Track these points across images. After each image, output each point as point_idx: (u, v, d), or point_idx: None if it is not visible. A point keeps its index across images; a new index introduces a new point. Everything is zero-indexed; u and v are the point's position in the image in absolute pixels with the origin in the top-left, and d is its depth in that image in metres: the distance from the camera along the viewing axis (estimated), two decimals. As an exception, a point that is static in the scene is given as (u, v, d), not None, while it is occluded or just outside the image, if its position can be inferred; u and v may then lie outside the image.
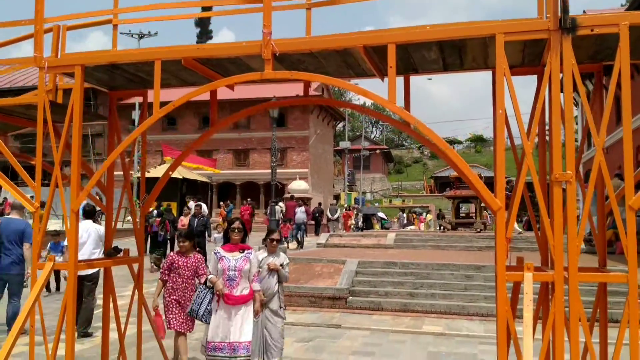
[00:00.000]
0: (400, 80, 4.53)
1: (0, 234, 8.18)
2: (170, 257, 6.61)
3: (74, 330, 4.07)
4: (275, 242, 6.37)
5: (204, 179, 33.92)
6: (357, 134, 68.53)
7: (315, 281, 12.01)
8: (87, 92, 43.85)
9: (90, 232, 8.56)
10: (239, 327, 5.60)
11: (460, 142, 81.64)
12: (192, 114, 42.21)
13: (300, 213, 22.50)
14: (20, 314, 4.15)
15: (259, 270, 6.07)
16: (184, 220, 16.43)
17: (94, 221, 9.01)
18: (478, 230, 24.03)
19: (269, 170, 40.27)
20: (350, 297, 11.36)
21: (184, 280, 6.46)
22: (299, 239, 21.08)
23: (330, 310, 11.12)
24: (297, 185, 35.58)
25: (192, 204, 16.97)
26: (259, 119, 39.35)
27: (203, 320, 5.77)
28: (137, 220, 5.20)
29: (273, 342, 6.21)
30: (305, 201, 29.47)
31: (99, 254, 8.39)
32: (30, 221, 7.02)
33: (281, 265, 6.35)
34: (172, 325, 6.35)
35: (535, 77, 4.10)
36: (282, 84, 32.51)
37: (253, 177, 40.75)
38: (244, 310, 5.66)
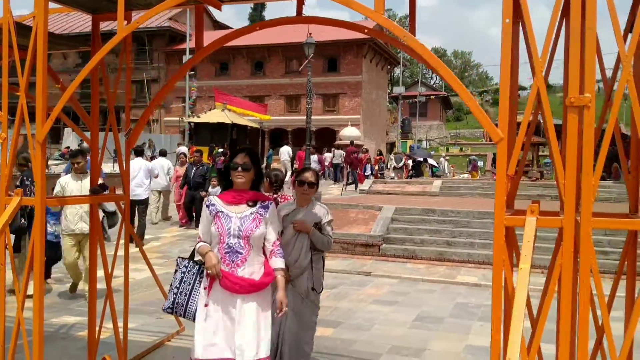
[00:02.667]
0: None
1: None
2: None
3: (42, 270, 3.82)
4: (306, 187, 4.23)
5: (254, 125, 33.76)
6: (416, 79, 66.36)
7: (349, 227, 11.62)
8: (142, 37, 44.21)
9: (141, 167, 11.24)
10: (251, 333, 3.42)
11: (524, 88, 77.81)
12: (245, 60, 41.87)
13: (313, 163, 22.13)
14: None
15: (282, 233, 3.98)
16: (179, 171, 14.20)
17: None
18: (534, 178, 22.94)
19: (321, 116, 39.82)
20: (383, 245, 10.93)
21: None
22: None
23: (362, 258, 10.76)
24: (349, 132, 34.90)
25: (183, 148, 13.35)
26: (311, 65, 38.49)
27: (191, 318, 3.68)
28: (123, 157, 4.87)
29: (297, 344, 4.18)
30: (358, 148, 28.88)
31: (147, 185, 11.46)
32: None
33: (317, 224, 4.24)
34: None
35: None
36: (326, 27, 31.45)
37: (304, 123, 40.39)
38: (257, 304, 3.49)
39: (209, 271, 3.44)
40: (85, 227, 6.69)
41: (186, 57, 32.46)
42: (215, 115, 30.24)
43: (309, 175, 4.31)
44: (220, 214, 3.52)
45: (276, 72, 41.15)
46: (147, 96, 41.83)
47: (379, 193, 17.61)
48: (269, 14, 68.68)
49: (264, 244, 3.60)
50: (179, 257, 3.84)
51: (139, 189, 11.03)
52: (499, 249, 2.87)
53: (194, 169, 12.99)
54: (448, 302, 7.62)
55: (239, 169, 3.54)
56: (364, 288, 8.46)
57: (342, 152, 23.31)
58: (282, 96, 41.15)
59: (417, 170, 27.99)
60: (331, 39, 35.84)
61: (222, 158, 19.03)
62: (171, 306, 3.70)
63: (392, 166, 28.36)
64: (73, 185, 6.83)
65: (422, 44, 3.04)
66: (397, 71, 56.53)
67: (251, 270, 3.47)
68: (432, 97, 60.81)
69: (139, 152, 12.05)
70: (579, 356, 2.79)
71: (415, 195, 17.12)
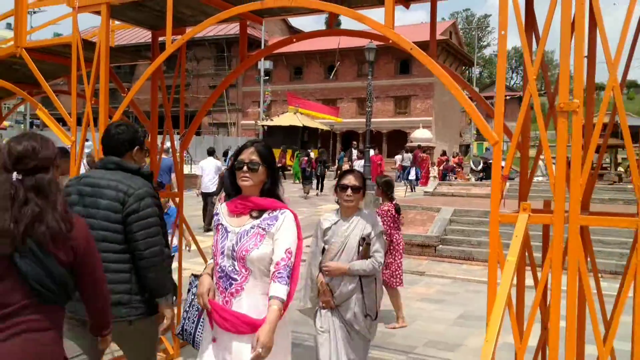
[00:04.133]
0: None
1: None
2: None
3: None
4: (350, 192, 3.62)
5: (326, 127, 34.37)
6: (494, 80, 64.64)
7: (406, 228, 11.78)
8: (221, 44, 45.97)
9: (211, 165, 12.91)
10: None
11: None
12: (318, 64, 42.63)
13: (359, 168, 22.49)
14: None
15: (325, 249, 3.68)
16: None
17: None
18: (612, 182, 22.06)
19: (392, 119, 39.91)
20: (440, 245, 11.05)
21: None
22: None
23: (418, 258, 10.92)
24: (420, 134, 34.85)
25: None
26: (381, 67, 38.61)
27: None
28: (177, 155, 5.41)
29: None
30: (426, 151, 28.83)
31: (215, 180, 12.69)
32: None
33: (364, 238, 3.65)
34: None
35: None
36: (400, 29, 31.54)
37: (375, 126, 40.53)
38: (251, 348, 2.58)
39: (199, 302, 2.79)
40: None
41: (261, 63, 33.57)
42: (288, 119, 31.16)
43: (352, 178, 3.66)
44: (220, 226, 2.82)
45: (348, 76, 41.62)
46: (225, 100, 43.46)
47: (443, 195, 17.59)
48: (345, 18, 69.23)
49: (266, 266, 2.70)
50: (192, 274, 3.20)
51: (210, 184, 12.70)
52: (494, 244, 3.09)
53: None
54: (495, 303, 7.69)
55: (244, 168, 2.74)
56: (414, 287, 8.66)
57: (410, 155, 23.44)
58: (354, 99, 41.55)
59: (487, 172, 27.53)
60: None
61: (306, 158, 20.89)
62: (181, 332, 3.11)
63: (471, 168, 28.23)
64: None
65: (424, 55, 3.31)
66: (476, 72, 55.47)
67: (252, 302, 2.66)
68: (510, 97, 59.16)
69: (211, 153, 13.81)
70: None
71: (481, 198, 16.96)
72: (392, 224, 6.22)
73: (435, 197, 17.10)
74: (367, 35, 4.55)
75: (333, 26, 4.61)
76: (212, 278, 2.81)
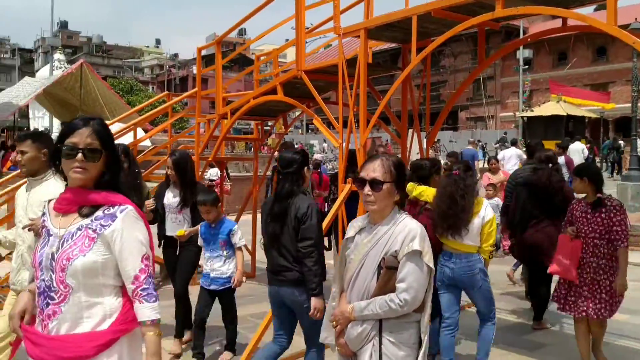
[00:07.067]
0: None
1: None
2: None
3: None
4: (368, 189, 2.55)
5: (594, 115, 31.66)
6: None
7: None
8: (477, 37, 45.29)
9: (512, 154, 13.67)
10: None
11: None
12: (585, 46, 39.40)
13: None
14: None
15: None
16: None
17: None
18: None
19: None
20: None
21: None
22: None
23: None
24: None
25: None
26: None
27: None
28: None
29: None
30: None
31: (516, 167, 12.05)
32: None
33: (391, 259, 2.47)
34: None
35: None
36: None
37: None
38: None
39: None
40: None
41: (519, 52, 32.54)
42: (549, 108, 29.61)
43: (370, 168, 2.56)
44: (44, 229, 2.20)
45: (621, 56, 37.55)
46: (482, 94, 43.06)
47: None
48: None
49: (114, 283, 2.13)
50: None
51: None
52: None
53: None
54: None
55: (78, 156, 2.06)
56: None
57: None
58: (629, 82, 37.27)
59: None
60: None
61: None
62: None
63: None
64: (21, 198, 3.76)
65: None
66: None
67: (71, 326, 2.04)
68: None
69: (514, 143, 15.86)
70: None
71: None
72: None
73: None
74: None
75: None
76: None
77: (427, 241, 2.51)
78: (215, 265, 4.80)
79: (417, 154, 6.37)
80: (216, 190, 11.22)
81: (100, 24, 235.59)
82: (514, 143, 15.72)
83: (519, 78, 33.87)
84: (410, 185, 4.58)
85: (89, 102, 19.02)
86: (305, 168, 3.86)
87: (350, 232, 2.69)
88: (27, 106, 19.54)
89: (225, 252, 4.79)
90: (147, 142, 13.15)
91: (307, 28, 6.68)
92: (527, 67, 34.95)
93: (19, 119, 24.84)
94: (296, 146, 16.61)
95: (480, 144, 27.93)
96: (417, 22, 4.93)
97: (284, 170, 3.80)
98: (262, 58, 9.13)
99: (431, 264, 2.48)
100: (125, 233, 2.09)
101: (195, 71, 10.64)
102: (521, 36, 33.48)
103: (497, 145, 26.43)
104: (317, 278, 3.61)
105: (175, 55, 76.55)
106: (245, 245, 5.32)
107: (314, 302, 3.62)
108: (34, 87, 19.87)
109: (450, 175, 4.41)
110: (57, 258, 2.05)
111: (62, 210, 2.15)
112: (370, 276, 2.52)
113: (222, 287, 4.80)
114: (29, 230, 3.17)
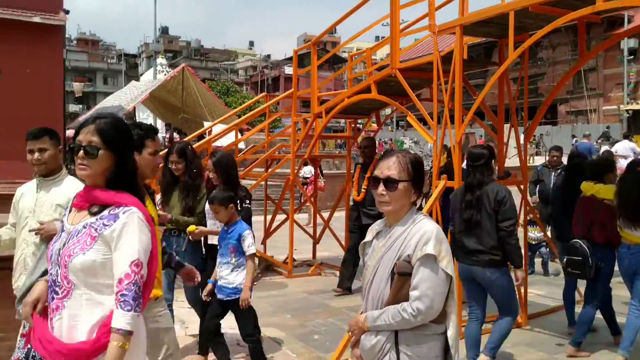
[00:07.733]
0: None
1: None
2: None
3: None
4: (382, 189, 2.34)
5: None
6: None
7: None
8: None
9: (625, 147, 14.30)
10: None
11: None
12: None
13: None
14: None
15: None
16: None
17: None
18: None
19: None
20: None
21: None
22: None
23: None
24: None
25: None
26: None
27: None
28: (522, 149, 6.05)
29: None
30: None
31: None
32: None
33: (404, 264, 2.28)
34: None
35: None
36: None
37: None
38: None
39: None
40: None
41: (624, 42, 30.61)
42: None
43: (385, 166, 2.37)
44: (63, 220, 2.30)
45: None
46: (584, 86, 40.86)
47: None
48: None
49: (96, 278, 2.11)
50: None
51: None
52: None
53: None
54: None
55: (81, 152, 2.16)
56: None
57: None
58: None
59: None
60: None
61: None
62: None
63: None
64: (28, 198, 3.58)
65: None
66: None
67: (72, 323, 2.09)
68: None
69: (626, 136, 16.40)
70: None
71: None
72: None
73: None
74: None
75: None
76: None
77: (445, 244, 2.28)
78: (223, 273, 4.30)
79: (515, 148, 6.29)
80: (309, 187, 11.57)
81: (197, 29, 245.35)
82: (626, 137, 16.08)
83: (624, 69, 31.87)
84: (587, 185, 5.03)
85: (190, 103, 20.07)
86: (493, 161, 4.57)
87: (368, 236, 2.52)
88: (134, 108, 20.86)
89: (233, 260, 4.26)
90: (241, 144, 13.66)
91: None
92: (632, 57, 32.80)
93: (127, 121, 26.54)
94: (384, 144, 16.43)
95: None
96: (514, 18, 4.91)
97: (474, 163, 4.52)
98: (355, 57, 9.29)
99: (449, 270, 2.26)
100: (122, 235, 2.09)
101: (287, 71, 10.94)
102: (625, 25, 31.38)
103: (600, 140, 25.05)
104: (519, 250, 4.38)
105: (268, 56, 78.48)
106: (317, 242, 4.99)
107: (518, 273, 4.44)
108: (140, 90, 21.25)
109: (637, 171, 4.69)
110: (62, 254, 2.12)
111: (77, 207, 2.23)
112: (383, 283, 2.33)
113: (229, 298, 4.27)
114: (36, 234, 3.13)
